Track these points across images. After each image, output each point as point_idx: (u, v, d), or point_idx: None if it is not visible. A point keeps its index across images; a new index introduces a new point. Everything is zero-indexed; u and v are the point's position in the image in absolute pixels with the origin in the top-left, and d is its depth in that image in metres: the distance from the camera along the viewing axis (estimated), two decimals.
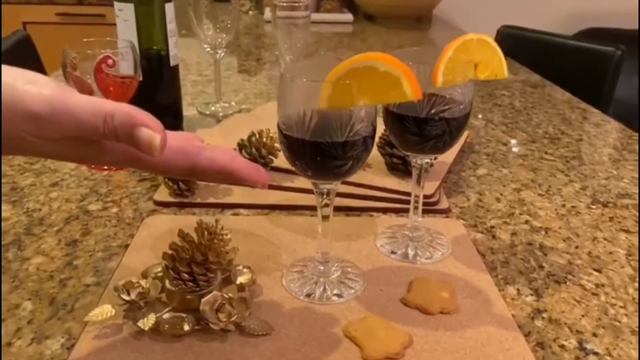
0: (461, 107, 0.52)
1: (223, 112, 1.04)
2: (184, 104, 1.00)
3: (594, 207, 0.72)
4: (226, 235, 0.49)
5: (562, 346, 0.48)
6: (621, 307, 0.53)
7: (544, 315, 0.51)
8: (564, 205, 0.72)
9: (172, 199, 0.69)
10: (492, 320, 0.49)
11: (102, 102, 0.36)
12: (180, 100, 0.97)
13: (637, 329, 0.50)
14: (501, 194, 0.75)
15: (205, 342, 0.46)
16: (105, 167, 0.79)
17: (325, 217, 0.52)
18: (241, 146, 0.72)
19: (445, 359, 0.45)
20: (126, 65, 0.76)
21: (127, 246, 0.60)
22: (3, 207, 0.68)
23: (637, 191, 0.76)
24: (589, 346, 0.48)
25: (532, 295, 0.54)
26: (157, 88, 0.91)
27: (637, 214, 0.70)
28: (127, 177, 0.76)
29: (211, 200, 0.69)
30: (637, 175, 0.81)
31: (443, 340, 0.47)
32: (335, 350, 0.45)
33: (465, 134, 0.92)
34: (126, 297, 0.47)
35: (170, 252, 0.48)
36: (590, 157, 0.88)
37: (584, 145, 0.93)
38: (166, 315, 0.46)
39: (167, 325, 0.46)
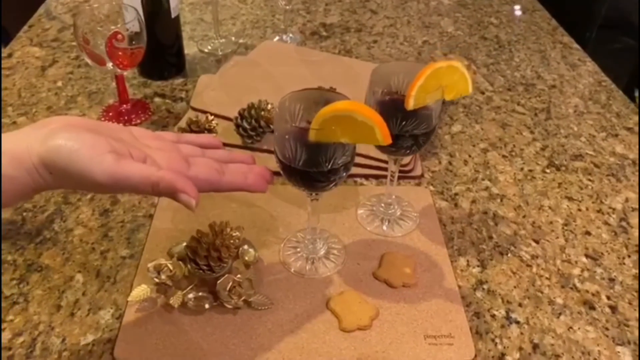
0: (428, 124, 0.61)
1: (222, 50, 1.10)
2: (184, 37, 1.06)
3: (548, 171, 0.83)
4: (234, 233, 0.61)
5: (493, 316, 0.62)
6: (547, 278, 0.67)
7: (485, 286, 0.66)
8: (522, 169, 0.83)
9: None
10: (442, 294, 0.64)
11: (150, 171, 0.45)
12: (182, 45, 1.03)
13: (555, 300, 0.64)
14: (469, 156, 0.85)
15: (222, 314, 0.60)
16: (122, 124, 0.88)
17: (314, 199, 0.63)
18: (242, 116, 0.81)
19: (402, 329, 0.60)
20: (133, 34, 0.82)
21: (150, 216, 0.72)
22: None
23: (589, 152, 0.87)
24: (513, 315, 0.63)
25: (478, 266, 0.68)
26: (161, 38, 0.97)
27: (584, 179, 0.82)
28: None
29: None
30: (593, 133, 0.92)
31: (402, 312, 0.61)
32: (320, 321, 0.60)
33: None
34: (158, 280, 0.61)
35: (191, 246, 0.60)
36: (557, 109, 0.97)
37: (555, 94, 1.01)
38: (190, 295, 0.60)
39: (191, 302, 0.60)
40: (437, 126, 0.63)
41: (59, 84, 0.98)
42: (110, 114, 0.90)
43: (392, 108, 0.60)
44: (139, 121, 0.89)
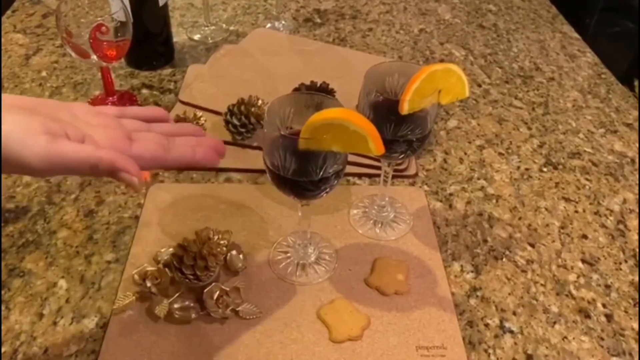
0: (423, 129, 0.59)
1: (212, 38, 1.07)
2: (173, 23, 1.03)
3: (545, 169, 0.81)
4: (221, 241, 0.59)
5: (486, 325, 0.61)
6: (542, 285, 0.66)
7: (479, 293, 0.64)
8: (518, 168, 0.81)
9: None
10: (435, 302, 0.62)
11: (88, 152, 0.42)
12: (170, 33, 1.00)
13: (549, 308, 0.63)
14: (465, 153, 0.83)
15: (209, 324, 0.59)
16: None
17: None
18: (232, 112, 0.79)
19: (394, 340, 0.58)
20: (119, 25, 0.79)
21: (137, 217, 0.70)
22: None
23: (587, 149, 0.86)
24: (507, 324, 0.61)
25: (472, 272, 0.66)
26: (148, 26, 0.94)
27: (581, 179, 0.80)
28: None
29: None
30: (592, 129, 0.90)
31: (394, 321, 0.60)
32: (310, 331, 0.59)
33: None
34: (144, 289, 0.59)
35: (177, 255, 0.58)
36: (556, 103, 0.95)
37: (554, 87, 0.99)
38: (177, 304, 0.59)
39: (177, 313, 0.58)
40: (432, 130, 0.61)
41: (44, 73, 0.95)
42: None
43: (385, 112, 0.58)
44: None
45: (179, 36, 1.06)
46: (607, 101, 0.96)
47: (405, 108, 0.57)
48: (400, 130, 0.58)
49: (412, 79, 0.57)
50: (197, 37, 1.07)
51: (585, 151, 0.85)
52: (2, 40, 1.03)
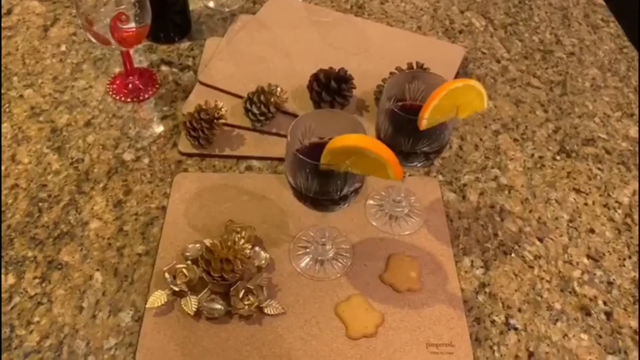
0: (441, 142, 0.61)
1: (228, 6, 1.05)
2: None
3: (558, 157, 0.83)
4: (246, 244, 0.63)
5: (493, 321, 0.66)
6: (547, 281, 0.69)
7: (487, 289, 0.68)
8: (532, 156, 0.83)
9: (194, 150, 0.80)
10: (445, 299, 0.66)
11: None
12: (187, 1, 0.98)
13: (553, 305, 0.67)
14: (480, 139, 0.85)
15: (235, 320, 0.64)
16: (129, 99, 0.87)
17: None
18: (251, 100, 0.80)
19: (406, 336, 0.63)
20: (138, 12, 0.79)
21: (164, 208, 0.74)
22: (50, 155, 0.80)
23: (602, 135, 0.86)
24: (512, 321, 0.66)
25: (482, 267, 0.70)
26: None
27: (593, 168, 0.82)
28: (150, 114, 0.86)
29: (227, 151, 0.80)
30: (608, 112, 0.90)
31: (406, 318, 0.65)
32: (328, 328, 0.63)
33: (462, 52, 0.97)
34: (175, 288, 0.63)
35: (205, 258, 0.62)
36: (574, 82, 0.95)
37: (573, 64, 0.98)
38: (205, 302, 0.63)
39: (206, 310, 0.63)
40: (449, 140, 0.63)
41: (63, 47, 0.96)
42: (116, 86, 0.89)
43: (404, 126, 0.59)
44: (147, 96, 0.88)
45: (194, 4, 1.05)
46: (627, 80, 0.95)
47: (423, 124, 0.58)
48: (419, 144, 0.60)
49: (431, 96, 0.58)
50: (211, 4, 1.06)
51: (599, 137, 0.86)
52: (19, 9, 1.03)
